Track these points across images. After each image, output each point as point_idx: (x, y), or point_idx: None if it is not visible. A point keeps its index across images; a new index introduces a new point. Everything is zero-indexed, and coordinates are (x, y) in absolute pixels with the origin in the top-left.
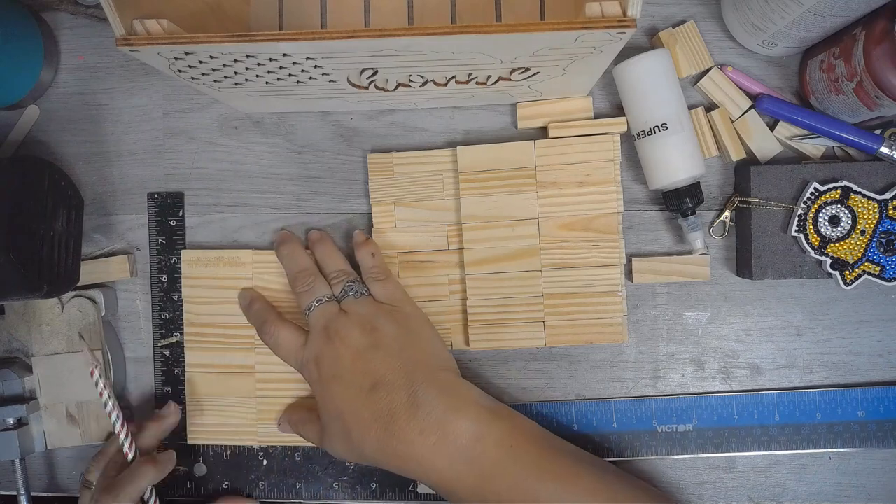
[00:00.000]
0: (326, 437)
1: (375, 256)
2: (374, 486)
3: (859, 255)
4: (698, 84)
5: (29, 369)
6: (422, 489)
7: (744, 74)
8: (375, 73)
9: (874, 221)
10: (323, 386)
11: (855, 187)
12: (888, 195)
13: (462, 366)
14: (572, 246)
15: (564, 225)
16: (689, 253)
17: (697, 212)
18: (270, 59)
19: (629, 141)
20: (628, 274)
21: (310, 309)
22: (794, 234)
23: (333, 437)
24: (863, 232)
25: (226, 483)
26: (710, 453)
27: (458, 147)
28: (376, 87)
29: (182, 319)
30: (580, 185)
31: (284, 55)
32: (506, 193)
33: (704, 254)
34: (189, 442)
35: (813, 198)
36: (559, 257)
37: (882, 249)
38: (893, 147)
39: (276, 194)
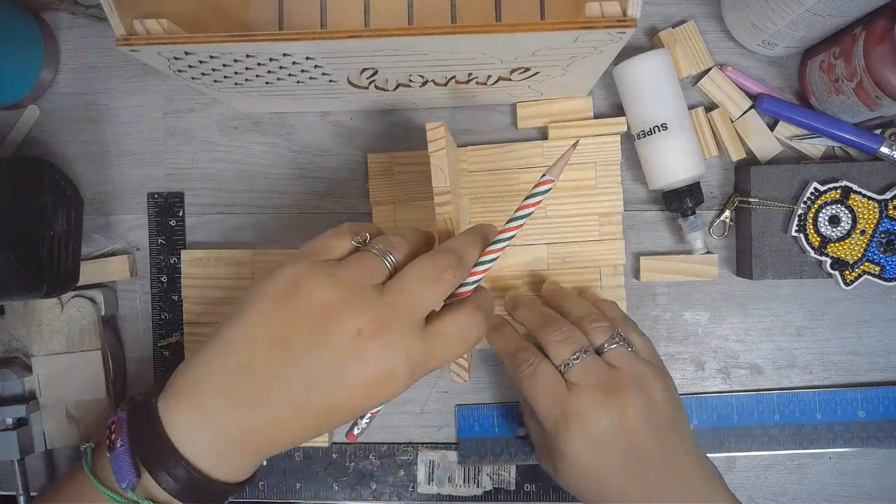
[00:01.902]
0: (561, 473)
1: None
2: (374, 486)
3: (859, 255)
4: (698, 84)
5: (29, 369)
6: (422, 489)
7: (744, 74)
8: (375, 73)
9: (874, 221)
10: (588, 450)
11: (855, 187)
12: (888, 195)
13: None
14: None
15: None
16: (690, 253)
17: (697, 212)
18: (270, 59)
19: (629, 141)
20: (636, 273)
21: (568, 364)
22: (794, 234)
23: (570, 481)
24: (863, 232)
25: None
26: (710, 453)
27: (460, 148)
28: (376, 87)
29: (182, 319)
30: (581, 187)
31: (284, 55)
32: (508, 196)
33: (710, 253)
34: None
35: (813, 198)
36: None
37: (882, 249)
38: (893, 147)
39: (276, 194)
